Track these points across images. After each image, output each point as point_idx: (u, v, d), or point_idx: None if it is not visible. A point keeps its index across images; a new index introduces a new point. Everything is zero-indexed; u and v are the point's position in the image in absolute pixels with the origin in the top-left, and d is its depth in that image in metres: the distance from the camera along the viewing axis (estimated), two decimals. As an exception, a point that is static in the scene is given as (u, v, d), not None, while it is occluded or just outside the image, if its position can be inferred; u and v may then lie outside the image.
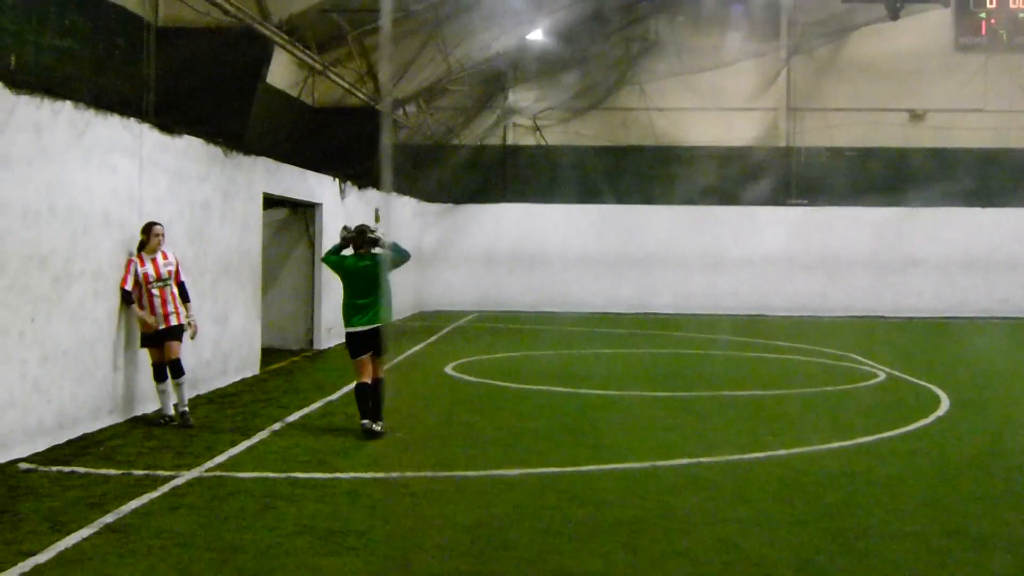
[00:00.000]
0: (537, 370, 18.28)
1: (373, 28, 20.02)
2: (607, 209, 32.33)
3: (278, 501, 8.27)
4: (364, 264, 11.18)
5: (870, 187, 32.01)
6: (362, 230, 11.33)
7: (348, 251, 11.43)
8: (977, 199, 31.58)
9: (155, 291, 11.54)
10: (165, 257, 11.73)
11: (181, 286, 11.82)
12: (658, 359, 20.35)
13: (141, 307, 11.52)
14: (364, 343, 11.08)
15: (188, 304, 11.87)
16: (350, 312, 11.15)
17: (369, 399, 11.05)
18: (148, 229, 11.71)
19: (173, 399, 11.76)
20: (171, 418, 11.71)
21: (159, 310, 11.56)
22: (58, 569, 6.49)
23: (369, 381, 11.07)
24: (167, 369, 11.66)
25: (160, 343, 11.64)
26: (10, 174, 9.44)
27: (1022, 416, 13.61)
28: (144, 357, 11.88)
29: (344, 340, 11.41)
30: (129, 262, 11.53)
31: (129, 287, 11.47)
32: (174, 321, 11.67)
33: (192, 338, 12.03)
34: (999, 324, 29.79)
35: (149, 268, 11.55)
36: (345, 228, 11.55)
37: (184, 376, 11.72)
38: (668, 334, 25.46)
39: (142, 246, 11.67)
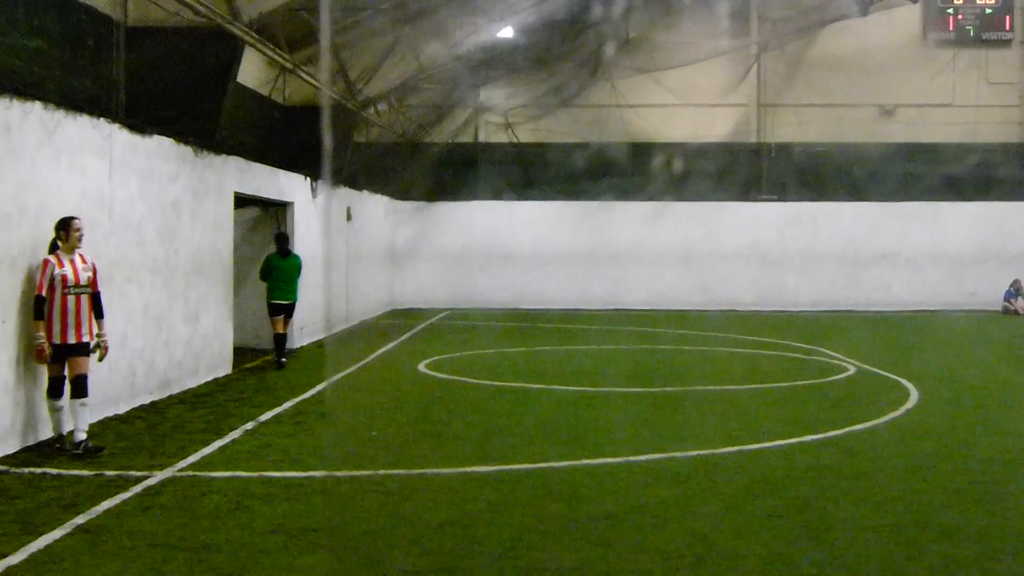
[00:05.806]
0: (510, 367, 18.34)
1: (343, 27, 19.97)
2: (579, 206, 32.38)
3: (251, 500, 8.26)
4: (289, 263, 17.27)
5: (840, 182, 32.23)
6: (281, 236, 17.78)
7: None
8: (946, 193, 31.83)
9: (71, 298, 9.92)
10: (84, 261, 10.15)
11: (96, 298, 10.23)
12: (630, 355, 20.43)
13: (51, 317, 9.85)
14: (280, 310, 17.14)
15: (101, 321, 10.28)
16: (274, 290, 17.10)
17: (280, 344, 17.17)
18: (67, 224, 10.07)
19: (69, 422, 10.13)
20: (68, 442, 10.10)
21: (71, 320, 9.90)
22: (30, 570, 6.46)
23: (282, 332, 17.21)
24: (65, 385, 10.08)
25: (63, 358, 9.99)
26: (-22, 175, 9.39)
27: (990, 409, 13.75)
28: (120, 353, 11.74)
29: (269, 310, 17.21)
30: (45, 263, 9.88)
31: (44, 293, 9.83)
32: (85, 337, 10.06)
33: (100, 360, 10.40)
34: (968, 317, 30.06)
35: (68, 271, 9.93)
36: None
37: (88, 398, 10.10)
38: (640, 330, 25.55)
39: (54, 246, 10.08)
